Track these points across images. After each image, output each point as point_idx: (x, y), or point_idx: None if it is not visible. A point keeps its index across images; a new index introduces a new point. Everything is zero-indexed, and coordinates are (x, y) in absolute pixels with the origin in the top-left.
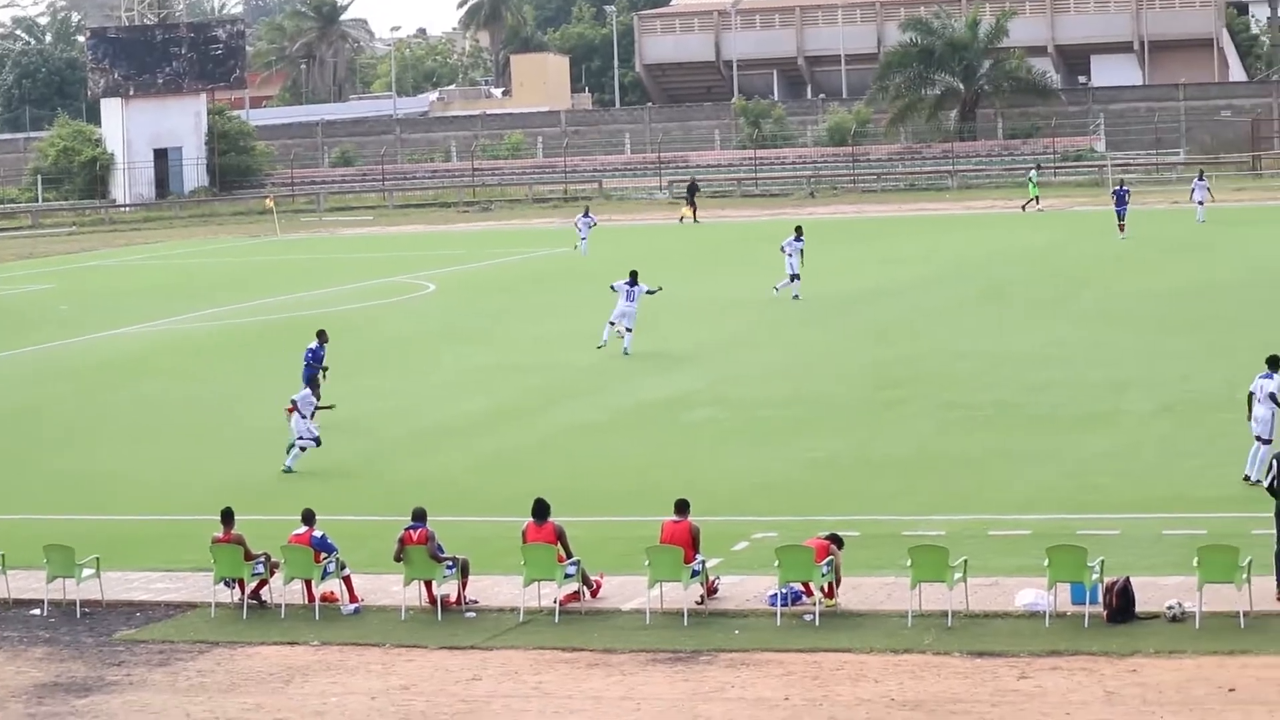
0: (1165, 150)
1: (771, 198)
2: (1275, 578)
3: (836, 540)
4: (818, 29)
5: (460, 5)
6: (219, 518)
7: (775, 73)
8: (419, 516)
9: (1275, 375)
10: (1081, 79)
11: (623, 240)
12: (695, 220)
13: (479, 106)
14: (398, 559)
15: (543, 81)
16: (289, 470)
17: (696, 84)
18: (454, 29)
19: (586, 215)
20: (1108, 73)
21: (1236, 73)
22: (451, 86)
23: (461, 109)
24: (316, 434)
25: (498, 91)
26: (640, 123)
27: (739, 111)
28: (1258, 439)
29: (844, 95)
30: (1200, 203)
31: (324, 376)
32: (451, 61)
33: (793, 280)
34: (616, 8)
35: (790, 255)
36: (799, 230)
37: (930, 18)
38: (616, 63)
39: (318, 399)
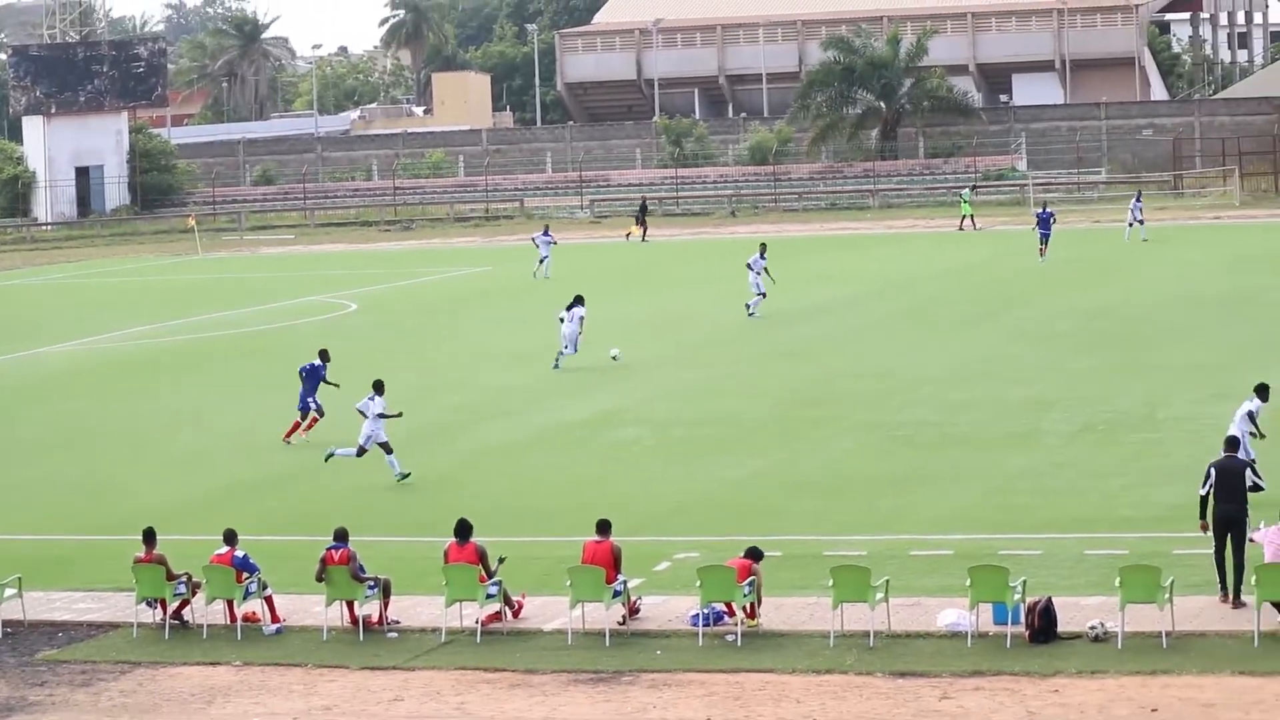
0: (1087, 169)
1: (693, 216)
2: (1219, 583)
3: (756, 554)
4: (739, 48)
5: (382, 24)
6: (141, 538)
7: (697, 91)
8: (340, 537)
9: (1258, 400)
10: (1003, 98)
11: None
12: (644, 239)
13: (400, 125)
14: (319, 579)
15: (464, 100)
16: (404, 476)
17: (618, 103)
18: (375, 47)
19: (546, 233)
20: (1029, 91)
21: (1158, 91)
22: (373, 105)
23: (383, 127)
24: (364, 445)
25: (419, 110)
26: (562, 141)
27: (660, 130)
28: None
29: (765, 114)
30: (1140, 222)
31: (314, 403)
32: (373, 80)
33: (760, 298)
34: (538, 26)
35: (756, 273)
36: (763, 247)
37: (851, 36)
38: (538, 81)
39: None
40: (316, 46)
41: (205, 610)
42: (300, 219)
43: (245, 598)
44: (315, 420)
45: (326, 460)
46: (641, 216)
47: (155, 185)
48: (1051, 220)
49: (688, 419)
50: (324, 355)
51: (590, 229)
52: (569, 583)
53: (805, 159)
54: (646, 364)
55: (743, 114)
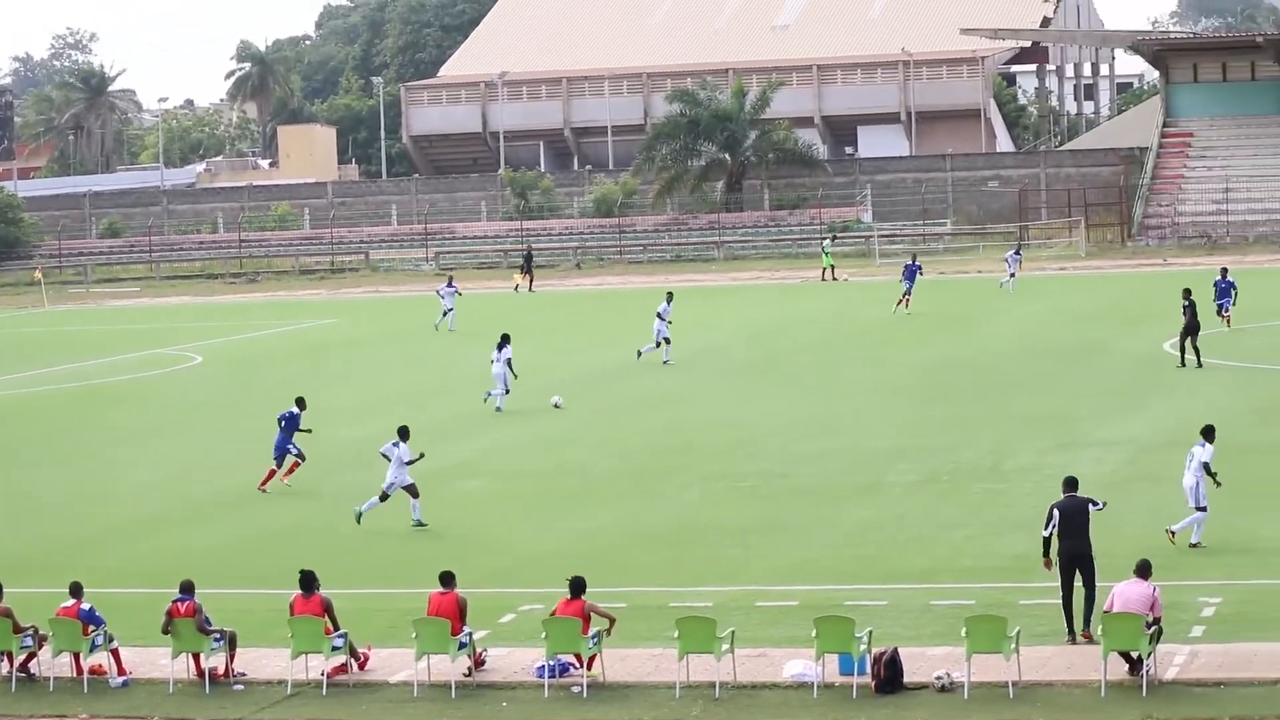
0: (932, 220)
1: (538, 269)
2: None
3: (579, 587)
4: (584, 100)
5: (228, 77)
6: None
7: (542, 144)
8: (186, 589)
9: (1207, 445)
10: (849, 149)
11: (391, 312)
12: (530, 289)
13: (246, 178)
14: (165, 631)
15: (310, 153)
16: (421, 524)
17: (463, 155)
18: (222, 100)
19: (450, 285)
20: (874, 143)
21: (1004, 143)
22: (219, 158)
23: (229, 180)
24: (387, 490)
25: (265, 163)
26: (407, 194)
27: (506, 182)
28: (1198, 508)
29: (610, 166)
30: (1012, 275)
31: (293, 449)
32: (219, 133)
33: (661, 345)
34: (384, 79)
35: (666, 321)
36: (670, 296)
37: (696, 89)
38: (384, 134)
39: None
40: (163, 100)
41: (52, 663)
42: (146, 271)
43: (92, 650)
44: (296, 465)
45: (359, 521)
46: (527, 265)
47: (1, 238)
48: (918, 273)
49: (536, 470)
50: (300, 403)
51: (436, 281)
52: (415, 634)
53: (650, 211)
54: (494, 415)
55: (588, 166)
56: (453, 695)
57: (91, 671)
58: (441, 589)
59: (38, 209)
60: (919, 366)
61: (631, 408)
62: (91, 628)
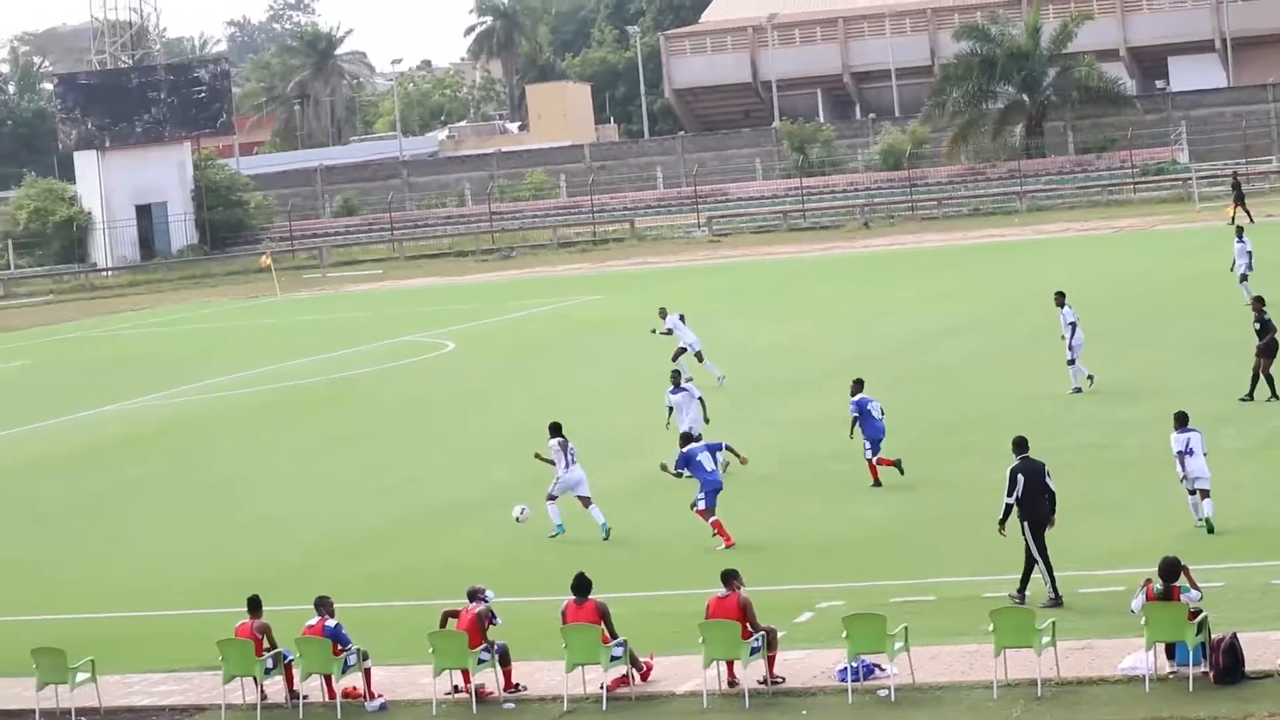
0: (1256, 159)
1: (822, 230)
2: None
3: (731, 577)
4: (864, 41)
5: (468, 33)
6: (246, 607)
7: (819, 92)
8: (473, 594)
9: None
10: (1159, 84)
11: (660, 285)
12: (1250, 219)
13: (494, 144)
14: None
15: (563, 113)
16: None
17: (733, 108)
18: (462, 59)
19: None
20: (1187, 75)
21: None
22: (462, 123)
23: (474, 147)
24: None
25: (513, 126)
26: (672, 154)
27: (781, 136)
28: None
29: (896, 113)
30: None
31: None
32: (461, 95)
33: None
34: (641, 29)
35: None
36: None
37: (987, 24)
38: (643, 89)
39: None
40: (396, 61)
41: (301, 687)
42: (388, 252)
43: (344, 671)
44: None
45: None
46: (1238, 194)
47: (225, 222)
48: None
49: (822, 453)
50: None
51: (710, 249)
52: (701, 640)
53: (943, 161)
54: (770, 394)
55: (871, 114)
56: (746, 705)
57: (345, 694)
58: (722, 590)
59: (264, 187)
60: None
61: (922, 380)
62: (341, 647)
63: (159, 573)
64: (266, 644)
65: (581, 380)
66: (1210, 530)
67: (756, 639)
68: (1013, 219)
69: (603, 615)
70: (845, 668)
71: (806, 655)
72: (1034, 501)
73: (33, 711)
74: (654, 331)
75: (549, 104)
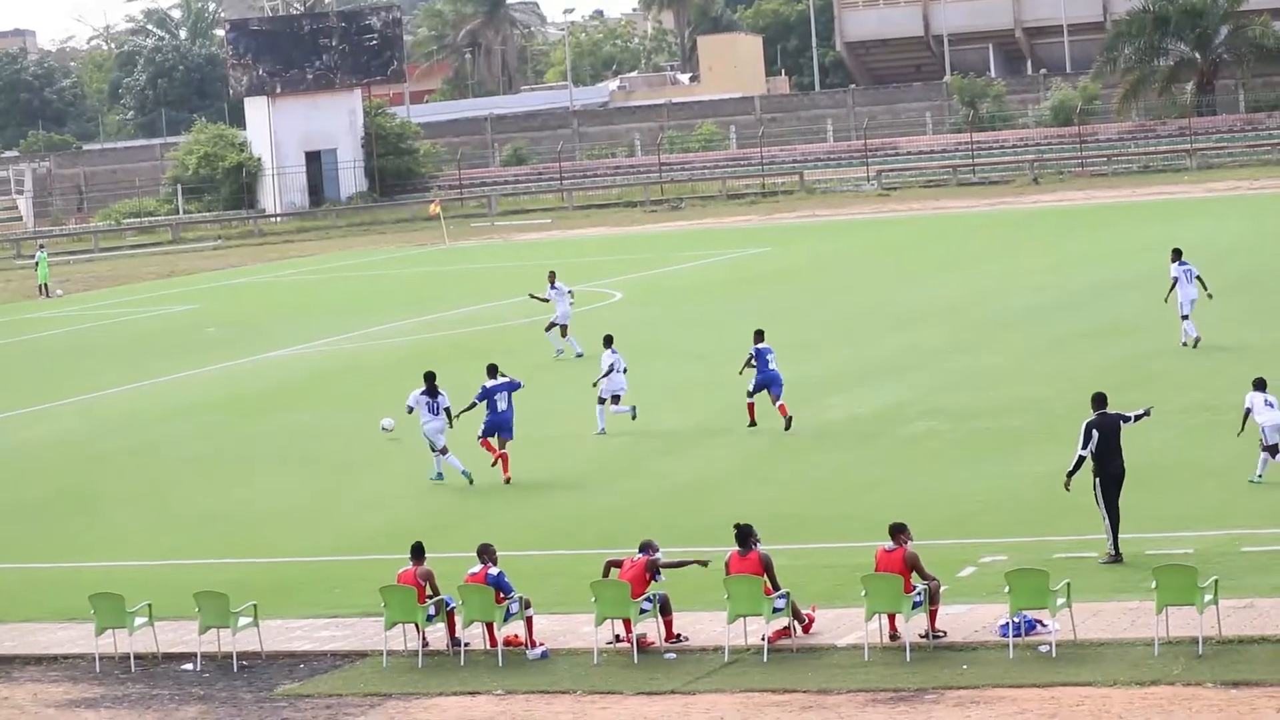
0: None
1: (991, 185)
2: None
3: (902, 531)
4: None
5: None
6: (409, 553)
7: (991, 47)
8: (645, 547)
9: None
10: None
11: (829, 238)
12: None
13: (664, 95)
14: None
15: (734, 65)
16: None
17: (904, 62)
18: (634, 10)
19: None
20: None
21: None
22: (633, 74)
23: (645, 98)
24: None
25: (684, 77)
26: (843, 107)
27: (953, 91)
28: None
29: (1068, 70)
30: None
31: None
32: (633, 46)
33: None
34: None
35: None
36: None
37: None
38: (815, 41)
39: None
40: (568, 11)
41: (462, 635)
42: (556, 201)
43: (506, 620)
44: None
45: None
46: None
47: (394, 169)
48: None
49: (987, 409)
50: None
51: (878, 202)
52: (864, 593)
53: (1114, 118)
54: (935, 350)
55: (1042, 70)
56: (907, 658)
57: (506, 643)
58: (889, 544)
59: (433, 135)
60: None
61: (1087, 337)
62: (503, 595)
63: (321, 519)
64: (429, 591)
65: (746, 331)
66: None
67: (919, 593)
68: (1182, 176)
69: (766, 567)
70: (1007, 623)
71: (969, 610)
72: (1108, 458)
73: (195, 655)
74: (532, 295)
75: (720, 55)
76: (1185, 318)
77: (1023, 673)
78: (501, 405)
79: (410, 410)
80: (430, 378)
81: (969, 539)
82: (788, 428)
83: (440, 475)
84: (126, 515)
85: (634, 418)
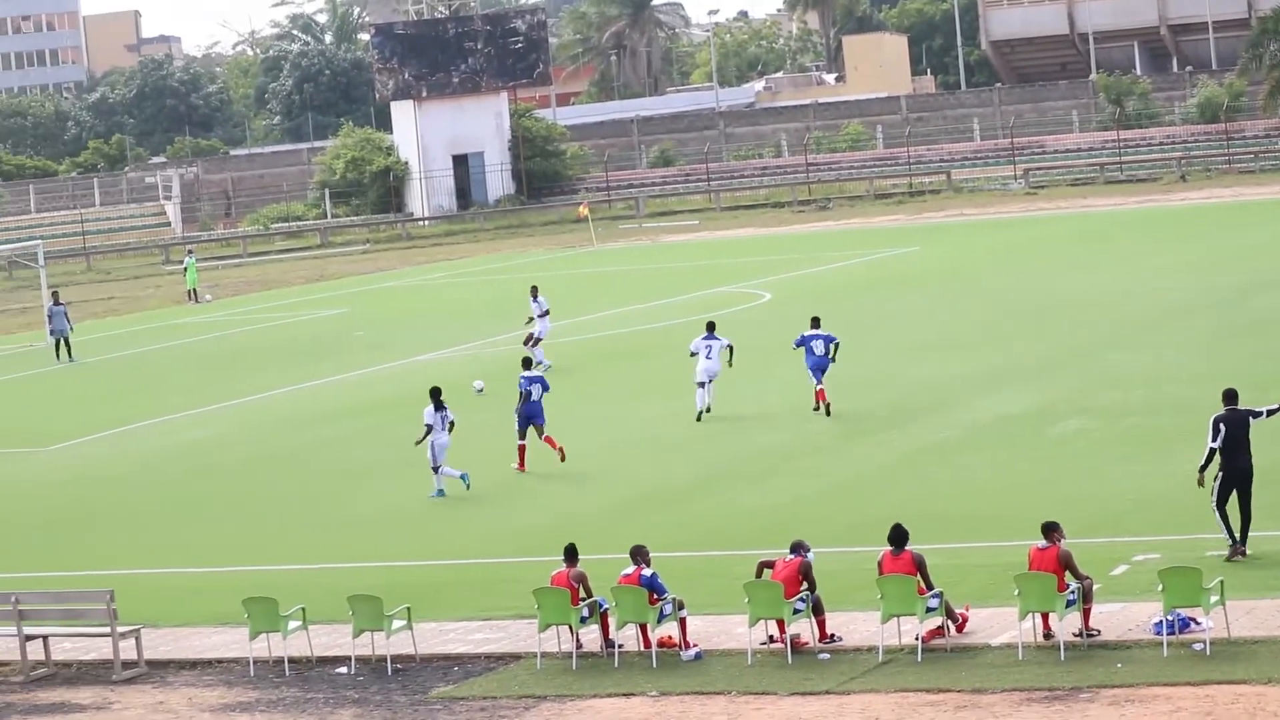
0: None
1: (1138, 183)
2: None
3: (1055, 529)
4: None
5: None
6: (562, 555)
7: (1136, 44)
8: (797, 547)
9: None
10: None
11: (976, 237)
12: None
13: (810, 95)
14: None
15: (879, 64)
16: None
17: (1049, 60)
18: (779, 10)
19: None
20: None
21: None
22: (779, 74)
23: (791, 98)
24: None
25: (830, 77)
26: (989, 105)
27: (1099, 89)
28: None
29: (1213, 66)
30: None
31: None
32: (778, 46)
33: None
34: None
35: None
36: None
37: None
38: (960, 40)
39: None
40: (713, 12)
41: (617, 636)
42: (704, 202)
43: (660, 620)
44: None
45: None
46: None
47: (541, 172)
48: None
49: (1137, 407)
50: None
51: (1026, 201)
52: (1017, 592)
53: (1260, 114)
54: (1084, 349)
55: (1188, 67)
56: (1061, 657)
57: (660, 644)
58: (1042, 542)
59: (580, 138)
60: None
61: (1238, 335)
62: (656, 596)
63: (473, 521)
64: (582, 593)
65: (896, 331)
66: None
67: (1072, 592)
68: None
69: (919, 566)
70: (1160, 621)
71: (1122, 608)
72: (1234, 453)
73: (349, 658)
74: (530, 320)
75: (866, 55)
76: None
77: (1177, 671)
78: (534, 395)
79: (429, 428)
80: (436, 393)
81: (1121, 537)
82: (827, 413)
83: (441, 492)
84: (278, 519)
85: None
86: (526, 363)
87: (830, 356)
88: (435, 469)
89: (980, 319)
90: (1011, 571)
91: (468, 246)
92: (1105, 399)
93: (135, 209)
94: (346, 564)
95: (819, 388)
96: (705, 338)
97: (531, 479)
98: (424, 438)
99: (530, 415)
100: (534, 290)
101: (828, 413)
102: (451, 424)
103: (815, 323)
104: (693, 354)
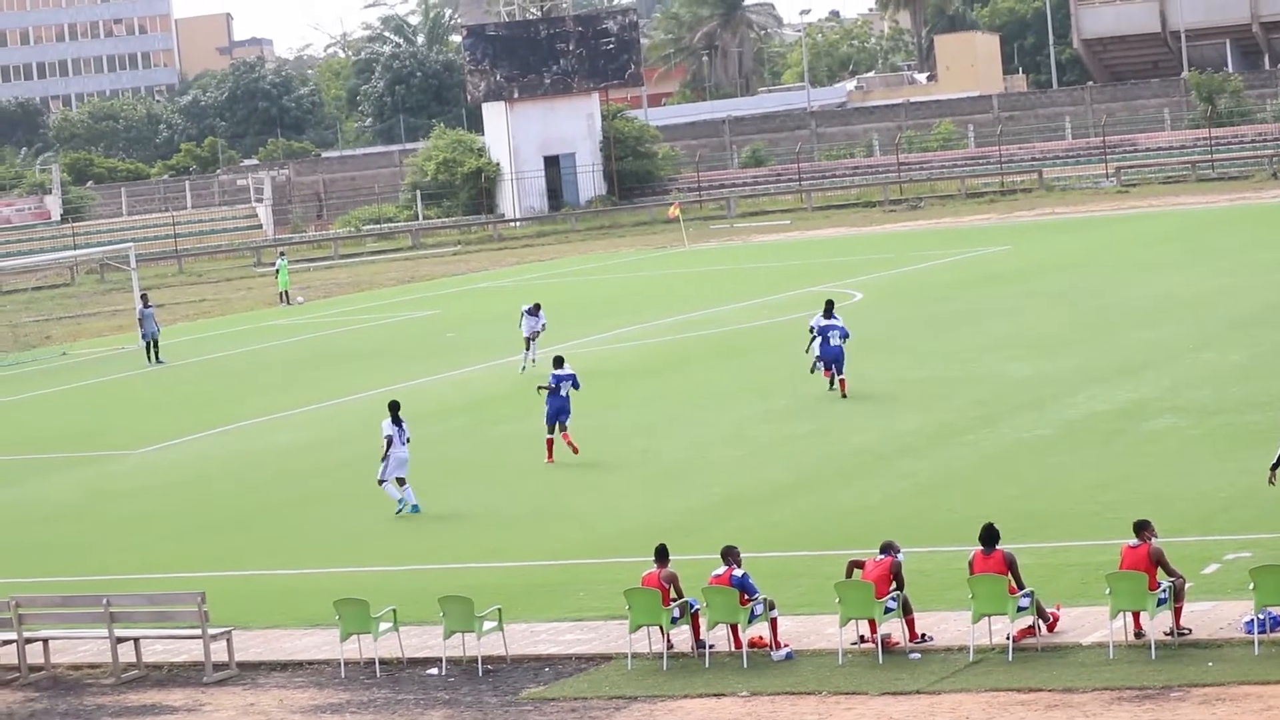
0: None
1: (1230, 181)
2: None
3: (1146, 528)
4: None
5: None
6: (653, 555)
7: (1228, 42)
8: (886, 548)
9: None
10: None
11: (1068, 236)
12: None
13: (901, 94)
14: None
15: (971, 63)
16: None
17: (1141, 58)
18: (870, 10)
19: (535, 314)
20: None
21: None
22: (870, 74)
23: (882, 98)
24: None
25: (921, 77)
26: (1081, 104)
27: (1190, 86)
28: None
29: None
30: None
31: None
32: (869, 46)
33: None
34: None
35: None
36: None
37: None
38: (1052, 39)
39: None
40: (805, 13)
41: (707, 637)
42: (795, 202)
43: (751, 621)
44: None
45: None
46: None
47: (633, 172)
48: None
49: (1229, 405)
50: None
51: (1118, 199)
52: (1108, 591)
53: None
54: (1178, 347)
55: None
56: (1152, 656)
57: (751, 644)
58: (1134, 540)
59: (672, 138)
60: None
61: None
62: (747, 596)
63: (564, 522)
64: (673, 593)
65: (988, 330)
66: None
67: (1163, 590)
68: None
69: (1010, 565)
70: (1252, 619)
71: (1213, 607)
72: None
73: (440, 660)
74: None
75: (957, 54)
76: None
77: (1269, 669)
78: (564, 392)
79: (389, 440)
80: (395, 407)
81: (1213, 535)
82: (843, 394)
83: (416, 508)
84: (370, 520)
85: None
86: (559, 361)
87: (842, 348)
88: (381, 482)
89: (1071, 317)
90: (1103, 570)
91: (559, 247)
92: (1197, 396)
93: (227, 211)
94: (437, 565)
95: (840, 377)
96: (823, 317)
97: (622, 480)
98: (386, 451)
99: (558, 411)
100: (536, 308)
101: (843, 393)
102: (408, 440)
103: (829, 308)
104: (811, 331)
